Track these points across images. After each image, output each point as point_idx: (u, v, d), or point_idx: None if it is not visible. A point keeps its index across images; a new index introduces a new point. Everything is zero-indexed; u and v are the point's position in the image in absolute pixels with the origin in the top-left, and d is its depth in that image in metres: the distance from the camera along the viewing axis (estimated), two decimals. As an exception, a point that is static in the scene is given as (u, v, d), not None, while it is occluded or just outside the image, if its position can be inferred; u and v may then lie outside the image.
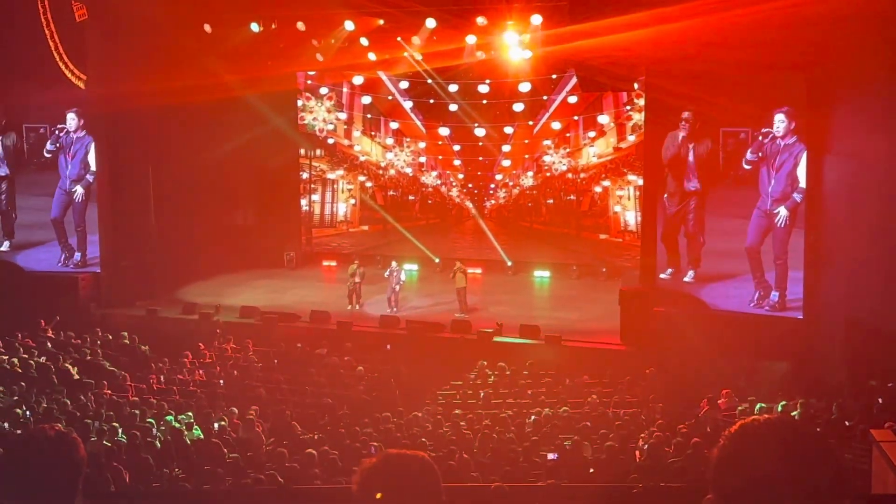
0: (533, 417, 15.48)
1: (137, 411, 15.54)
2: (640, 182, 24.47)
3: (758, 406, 15.36)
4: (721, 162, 21.21)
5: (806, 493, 2.21)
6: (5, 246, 25.41)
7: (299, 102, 28.64)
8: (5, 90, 24.65)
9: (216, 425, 15.08)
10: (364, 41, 24.59)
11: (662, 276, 21.26)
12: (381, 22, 23.73)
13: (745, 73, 18.87)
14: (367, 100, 28.27)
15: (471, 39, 23.65)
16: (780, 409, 15.17)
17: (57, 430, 3.03)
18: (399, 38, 24.43)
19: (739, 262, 20.34)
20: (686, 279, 21.20)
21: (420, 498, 2.63)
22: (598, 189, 26.77)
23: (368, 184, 28.98)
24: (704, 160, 20.93)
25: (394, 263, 23.85)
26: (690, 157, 20.92)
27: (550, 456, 12.96)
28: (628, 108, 25.79)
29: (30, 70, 23.95)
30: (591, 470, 12.43)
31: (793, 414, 14.86)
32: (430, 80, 26.40)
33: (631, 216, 26.23)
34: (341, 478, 11.61)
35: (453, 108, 26.93)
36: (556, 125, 26.76)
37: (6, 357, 18.92)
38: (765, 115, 19.49)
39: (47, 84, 24.01)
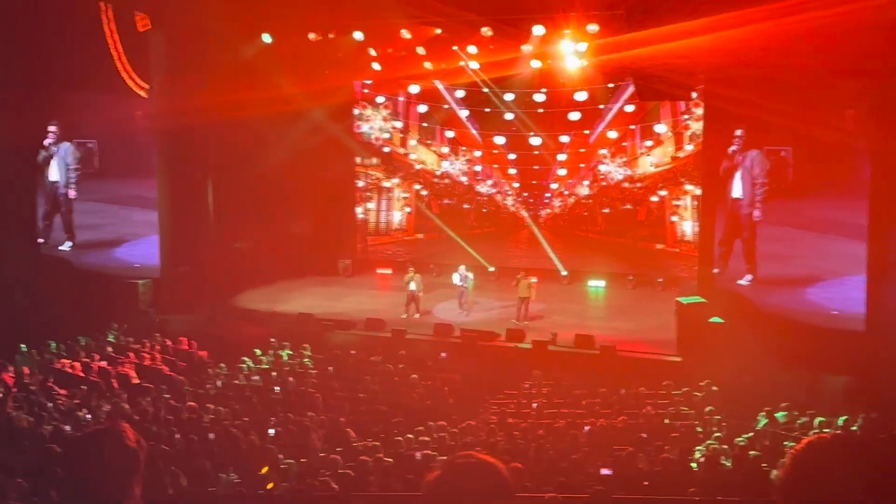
0: (587, 428, 15.37)
1: (195, 416, 15.74)
2: (698, 192, 24.27)
3: (817, 420, 15.10)
4: (765, 179, 22.73)
5: None
6: (66, 246, 26.09)
7: (356, 111, 28.84)
8: (67, 102, 25.42)
9: (271, 431, 15.20)
10: (421, 50, 24.68)
11: (715, 271, 22.16)
12: (439, 31, 23.80)
13: (808, 79, 18.64)
14: (423, 108, 28.36)
15: (527, 48, 23.63)
16: (840, 423, 14.90)
17: (111, 428, 3.07)
18: (455, 47, 24.49)
19: (792, 266, 21.89)
20: (742, 282, 21.92)
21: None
22: (654, 199, 26.54)
23: (424, 192, 29.06)
24: (749, 170, 22.33)
25: (462, 268, 24.01)
26: (740, 168, 22.53)
27: (604, 471, 12.85)
28: (686, 117, 25.54)
29: (92, 81, 24.55)
30: (646, 482, 12.30)
31: (853, 428, 14.59)
32: (485, 90, 26.42)
33: (688, 226, 25.95)
34: (395, 485, 11.63)
35: (509, 116, 26.92)
36: (613, 134, 26.59)
37: (68, 361, 19.30)
38: (831, 119, 19.45)
39: (110, 94, 24.62)
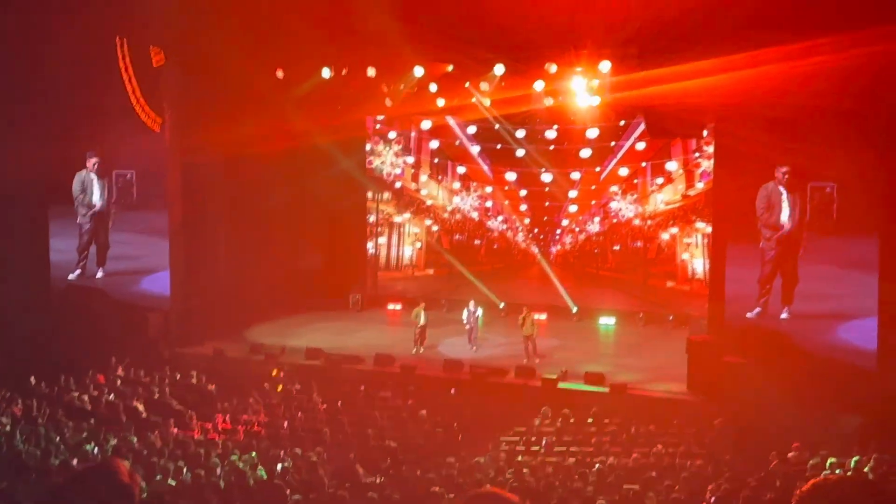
0: (597, 466, 15.26)
1: (203, 450, 15.67)
2: (709, 230, 24.21)
3: (829, 460, 14.96)
4: (808, 214, 22.68)
5: None
6: (100, 273, 26.19)
7: (368, 146, 28.96)
8: (96, 136, 25.67)
9: (279, 466, 15.13)
10: (433, 87, 24.83)
11: (749, 314, 21.94)
12: (451, 68, 23.94)
13: (821, 119, 18.65)
14: (434, 144, 28.47)
15: (539, 85, 23.74)
16: (853, 464, 14.75)
17: (104, 466, 3.05)
18: (468, 84, 24.62)
19: (831, 304, 21.94)
20: (783, 316, 21.82)
21: None
22: (665, 236, 26.52)
23: (434, 227, 29.10)
24: (795, 208, 22.14)
25: (470, 304, 23.95)
26: (786, 206, 22.20)
27: None
28: (697, 154, 25.56)
29: (113, 115, 24.75)
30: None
31: (865, 469, 14.43)
32: (497, 126, 26.52)
33: (699, 264, 25.90)
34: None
35: (520, 153, 26.98)
36: (624, 171, 26.62)
37: (76, 394, 19.27)
38: (844, 160, 19.38)
39: (127, 129, 24.80)
